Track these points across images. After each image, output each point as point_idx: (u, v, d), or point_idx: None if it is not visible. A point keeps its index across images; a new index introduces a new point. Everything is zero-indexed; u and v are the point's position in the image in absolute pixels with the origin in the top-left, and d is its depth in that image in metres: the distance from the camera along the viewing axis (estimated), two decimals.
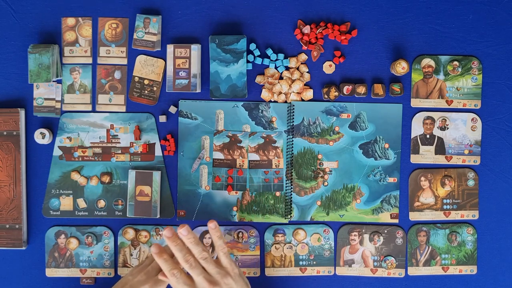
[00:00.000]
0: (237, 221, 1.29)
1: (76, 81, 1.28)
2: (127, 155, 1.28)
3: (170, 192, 1.29)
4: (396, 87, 1.27)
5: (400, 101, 1.29)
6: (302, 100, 1.28)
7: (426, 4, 1.28)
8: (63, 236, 1.29)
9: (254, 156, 1.29)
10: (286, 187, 1.29)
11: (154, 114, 1.29)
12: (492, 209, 1.30)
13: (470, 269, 1.30)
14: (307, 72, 1.29)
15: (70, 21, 1.28)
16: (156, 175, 1.27)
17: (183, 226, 1.11)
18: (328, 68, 1.29)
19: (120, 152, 1.28)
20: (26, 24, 1.28)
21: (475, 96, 1.29)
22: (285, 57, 1.28)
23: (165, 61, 1.28)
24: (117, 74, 1.28)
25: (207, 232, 1.29)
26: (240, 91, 1.26)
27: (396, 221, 1.29)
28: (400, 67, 1.24)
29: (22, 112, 1.27)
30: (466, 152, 1.29)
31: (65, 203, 1.29)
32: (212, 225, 1.14)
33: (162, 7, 1.28)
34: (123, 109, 1.29)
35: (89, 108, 1.29)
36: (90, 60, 1.29)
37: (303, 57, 1.28)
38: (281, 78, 1.28)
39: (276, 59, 1.28)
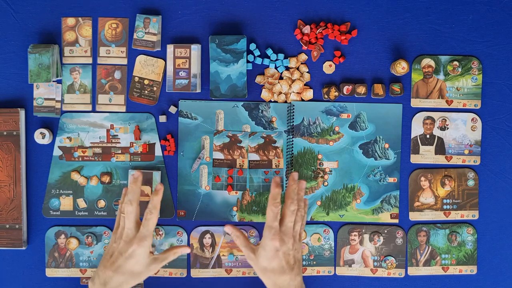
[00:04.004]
0: (237, 221, 1.29)
1: (76, 81, 1.28)
2: (127, 155, 1.28)
3: (170, 192, 1.29)
4: (396, 87, 1.27)
5: (400, 101, 1.29)
6: (302, 100, 1.28)
7: (426, 4, 1.28)
8: (63, 236, 1.29)
9: (254, 156, 1.29)
10: (286, 187, 1.29)
11: (154, 114, 1.29)
12: (492, 209, 1.30)
13: (470, 269, 1.30)
14: (307, 72, 1.29)
15: (70, 21, 1.28)
16: (156, 175, 1.27)
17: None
18: (328, 68, 1.29)
19: (120, 152, 1.29)
20: (26, 24, 1.28)
21: (475, 96, 1.29)
22: (285, 57, 1.28)
23: (165, 61, 1.28)
24: (117, 74, 1.28)
25: (207, 232, 1.29)
26: (240, 91, 1.26)
27: (396, 221, 1.29)
28: (400, 67, 1.24)
29: (22, 112, 1.27)
30: (466, 152, 1.29)
31: (65, 203, 1.29)
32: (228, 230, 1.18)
33: (162, 7, 1.28)
34: (123, 109, 1.29)
35: (89, 108, 1.29)
36: (90, 60, 1.29)
37: (303, 57, 1.28)
38: (281, 78, 1.28)
39: (276, 59, 1.28)
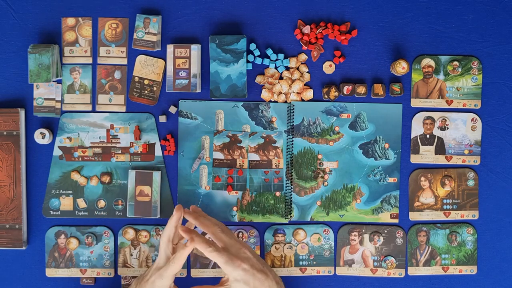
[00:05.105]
0: (237, 221, 1.29)
1: (76, 81, 1.28)
2: (127, 155, 1.28)
3: (170, 192, 1.29)
4: (396, 87, 1.27)
5: (400, 101, 1.29)
6: (302, 100, 1.28)
7: (426, 4, 1.28)
8: (63, 236, 1.29)
9: (254, 156, 1.29)
10: (286, 187, 1.29)
11: (154, 114, 1.29)
12: (492, 209, 1.30)
13: (470, 269, 1.30)
14: (307, 72, 1.29)
15: (70, 21, 1.28)
16: (156, 175, 1.27)
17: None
18: (328, 68, 1.29)
19: (120, 152, 1.29)
20: (26, 24, 1.28)
21: (475, 96, 1.29)
22: (285, 57, 1.28)
23: (165, 61, 1.28)
24: (117, 74, 1.28)
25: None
26: (240, 91, 1.26)
27: (396, 221, 1.29)
28: (400, 67, 1.24)
29: (22, 112, 1.27)
30: (466, 152, 1.29)
31: (65, 203, 1.29)
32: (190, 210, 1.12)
33: (162, 7, 1.28)
34: (123, 109, 1.29)
35: (89, 108, 1.29)
36: (90, 60, 1.29)
37: (303, 57, 1.28)
38: (281, 78, 1.29)
39: (276, 59, 1.28)
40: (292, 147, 1.29)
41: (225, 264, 1.05)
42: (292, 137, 1.29)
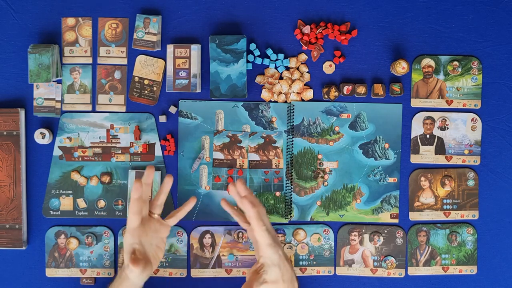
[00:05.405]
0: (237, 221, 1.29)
1: (76, 81, 1.28)
2: (127, 155, 1.28)
3: (170, 192, 1.28)
4: (396, 87, 1.27)
5: (400, 101, 1.29)
6: (302, 100, 1.28)
7: (426, 4, 1.28)
8: (63, 236, 1.29)
9: (254, 156, 1.29)
10: (286, 187, 1.29)
11: (154, 114, 1.29)
12: (492, 209, 1.30)
13: (470, 269, 1.30)
14: (307, 72, 1.29)
15: (70, 21, 1.28)
16: (156, 175, 1.27)
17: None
18: (328, 68, 1.29)
19: (120, 152, 1.28)
20: (26, 24, 1.28)
21: (475, 96, 1.29)
22: (285, 57, 1.28)
23: (165, 61, 1.28)
24: (117, 74, 1.28)
25: (207, 232, 1.29)
26: (240, 91, 1.26)
27: (396, 221, 1.29)
28: (400, 67, 1.24)
29: (22, 112, 1.27)
30: (466, 152, 1.29)
31: (65, 203, 1.29)
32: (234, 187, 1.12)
33: (162, 7, 1.28)
34: (123, 109, 1.29)
35: (89, 108, 1.29)
36: (90, 60, 1.29)
37: (303, 57, 1.28)
38: (281, 78, 1.28)
39: (276, 59, 1.28)
40: (292, 147, 1.29)
41: (269, 246, 1.07)
42: (292, 137, 1.29)
